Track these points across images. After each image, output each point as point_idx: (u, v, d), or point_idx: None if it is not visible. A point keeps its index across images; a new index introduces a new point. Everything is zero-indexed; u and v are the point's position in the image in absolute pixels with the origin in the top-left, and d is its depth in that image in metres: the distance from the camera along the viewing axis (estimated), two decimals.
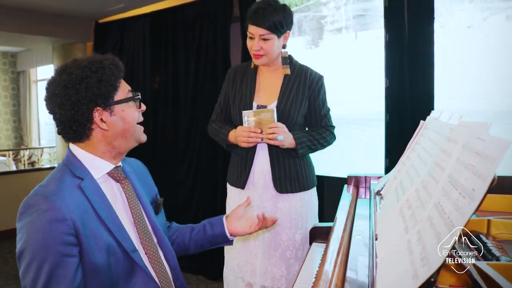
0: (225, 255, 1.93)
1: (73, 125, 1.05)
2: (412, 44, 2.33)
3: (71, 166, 1.07)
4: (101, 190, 1.08)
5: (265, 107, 1.77)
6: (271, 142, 1.70)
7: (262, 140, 1.72)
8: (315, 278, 1.12)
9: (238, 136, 1.73)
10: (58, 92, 1.04)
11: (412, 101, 2.37)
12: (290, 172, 1.79)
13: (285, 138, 1.70)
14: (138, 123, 1.16)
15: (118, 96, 1.09)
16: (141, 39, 4.03)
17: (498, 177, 0.66)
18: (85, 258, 0.99)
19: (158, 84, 3.89)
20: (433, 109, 2.27)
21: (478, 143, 0.66)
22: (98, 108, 1.05)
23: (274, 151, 1.78)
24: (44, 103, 1.09)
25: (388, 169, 2.41)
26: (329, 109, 1.87)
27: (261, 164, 1.80)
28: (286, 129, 1.71)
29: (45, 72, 7.77)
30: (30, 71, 7.87)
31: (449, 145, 0.83)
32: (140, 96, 1.15)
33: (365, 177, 1.73)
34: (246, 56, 3.12)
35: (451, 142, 0.82)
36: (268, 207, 1.80)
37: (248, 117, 1.73)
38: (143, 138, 1.18)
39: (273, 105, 1.77)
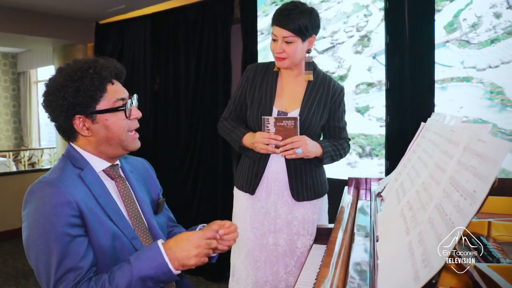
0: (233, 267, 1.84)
1: (60, 128, 1.10)
2: (412, 46, 2.33)
3: (71, 158, 1.10)
4: (101, 179, 1.11)
5: (286, 113, 1.69)
6: (288, 157, 1.62)
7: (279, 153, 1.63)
8: (316, 280, 1.12)
9: (257, 142, 1.64)
10: (44, 96, 1.08)
11: (412, 103, 2.37)
12: (307, 180, 1.73)
13: (310, 147, 1.61)
14: (134, 130, 1.14)
15: (102, 105, 1.07)
16: (141, 40, 4.04)
17: (499, 179, 0.66)
18: (91, 239, 1.02)
19: (158, 86, 3.90)
20: (433, 111, 2.27)
21: (479, 144, 0.66)
22: (79, 116, 1.06)
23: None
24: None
25: (388, 171, 2.41)
26: (346, 123, 1.82)
27: (276, 170, 1.73)
28: (306, 140, 1.61)
29: (45, 73, 7.80)
30: (30, 72, 7.89)
31: (450, 146, 0.83)
32: (125, 107, 1.10)
33: (366, 179, 1.73)
34: (247, 57, 3.13)
35: (452, 143, 0.82)
36: (283, 214, 1.74)
37: (269, 123, 1.62)
38: (133, 146, 1.14)
39: (295, 112, 1.69)
